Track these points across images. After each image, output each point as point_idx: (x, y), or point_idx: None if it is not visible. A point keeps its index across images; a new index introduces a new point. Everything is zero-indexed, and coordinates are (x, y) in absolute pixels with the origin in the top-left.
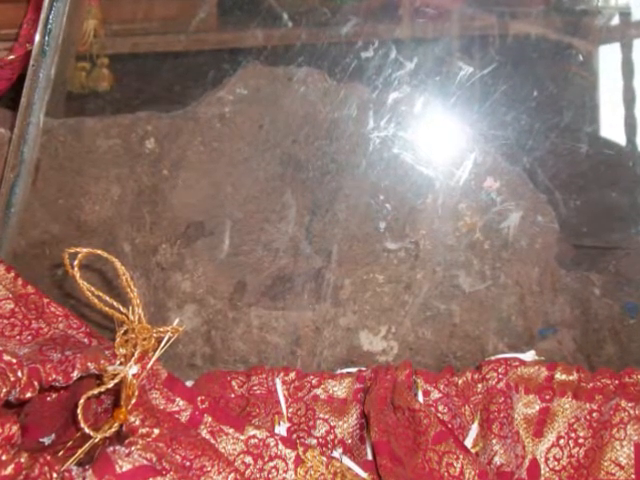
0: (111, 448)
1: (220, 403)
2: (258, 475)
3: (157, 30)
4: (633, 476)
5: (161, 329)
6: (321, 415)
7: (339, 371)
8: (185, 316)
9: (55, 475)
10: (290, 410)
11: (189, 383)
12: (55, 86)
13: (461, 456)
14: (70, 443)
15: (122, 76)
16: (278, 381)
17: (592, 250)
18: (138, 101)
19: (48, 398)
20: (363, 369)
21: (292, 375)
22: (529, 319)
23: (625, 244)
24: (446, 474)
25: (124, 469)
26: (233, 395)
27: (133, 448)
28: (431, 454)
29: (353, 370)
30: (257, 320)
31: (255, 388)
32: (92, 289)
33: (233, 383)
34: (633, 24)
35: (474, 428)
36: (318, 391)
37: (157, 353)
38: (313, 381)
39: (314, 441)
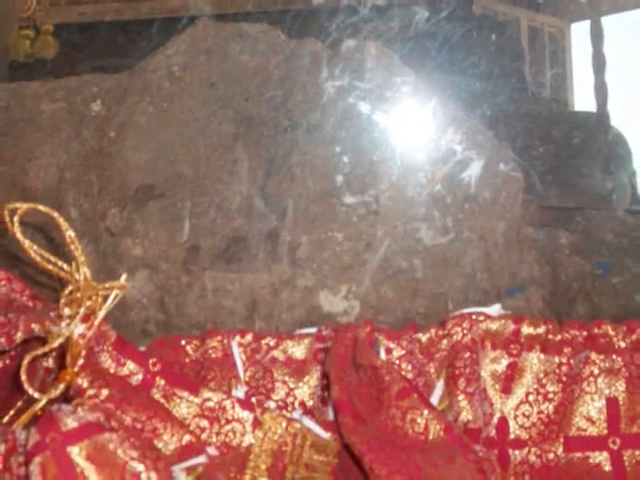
0: (55, 407)
1: (174, 368)
2: (215, 439)
3: None
4: (605, 431)
5: (107, 285)
6: (280, 378)
7: (298, 331)
8: (137, 282)
9: None
10: (247, 374)
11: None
12: None
13: (425, 412)
14: (15, 408)
15: (68, 44)
16: (234, 344)
17: (560, 211)
18: (85, 68)
19: None
20: (322, 329)
21: (249, 337)
22: (495, 275)
23: (594, 205)
24: (410, 430)
25: (69, 427)
26: (187, 360)
27: (79, 408)
28: (394, 411)
29: (312, 330)
30: (212, 284)
31: (210, 352)
32: (34, 247)
33: (187, 348)
34: None
35: (439, 386)
36: (276, 353)
37: (103, 311)
38: (271, 343)
39: (273, 404)
